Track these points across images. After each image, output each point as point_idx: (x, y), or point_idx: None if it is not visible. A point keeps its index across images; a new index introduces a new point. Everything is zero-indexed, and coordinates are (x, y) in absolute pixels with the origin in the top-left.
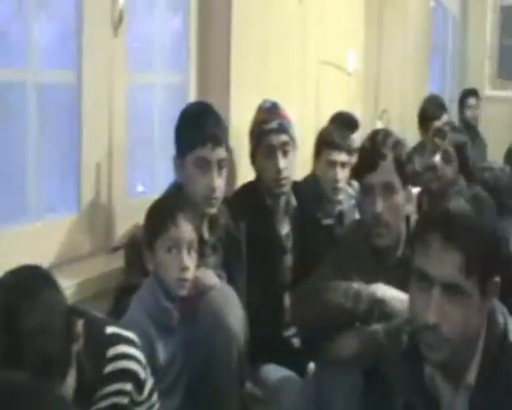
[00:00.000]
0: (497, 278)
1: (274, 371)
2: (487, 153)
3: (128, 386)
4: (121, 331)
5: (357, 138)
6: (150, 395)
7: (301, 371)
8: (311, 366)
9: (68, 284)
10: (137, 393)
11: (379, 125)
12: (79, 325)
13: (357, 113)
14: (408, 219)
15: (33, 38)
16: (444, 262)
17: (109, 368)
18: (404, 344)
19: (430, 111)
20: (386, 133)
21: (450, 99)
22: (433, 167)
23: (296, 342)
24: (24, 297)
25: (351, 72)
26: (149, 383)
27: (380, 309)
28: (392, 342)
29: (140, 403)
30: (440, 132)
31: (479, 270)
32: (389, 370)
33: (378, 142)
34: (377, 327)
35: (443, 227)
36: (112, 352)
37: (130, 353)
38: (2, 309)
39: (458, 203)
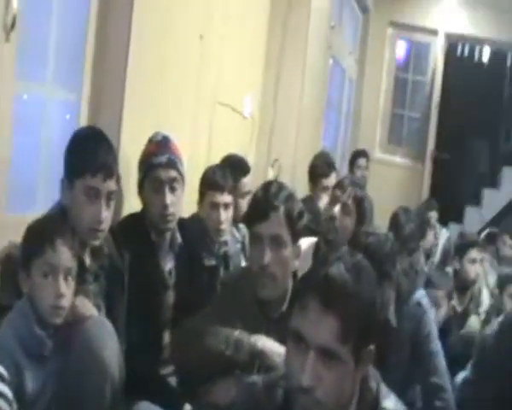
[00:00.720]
0: (372, 347)
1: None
2: (373, 214)
3: None
4: None
5: (248, 184)
6: None
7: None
8: (187, 407)
9: None
10: None
11: (270, 173)
12: None
13: (250, 158)
14: (295, 274)
15: None
16: (321, 327)
17: None
18: (280, 399)
19: (320, 168)
20: (279, 186)
21: (342, 157)
22: (332, 218)
23: (173, 380)
24: None
25: (246, 116)
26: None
27: (260, 361)
28: (268, 396)
29: None
30: (340, 185)
31: (355, 338)
32: None
33: (271, 193)
34: (256, 378)
35: (322, 292)
36: None
37: None
38: None
39: (338, 269)
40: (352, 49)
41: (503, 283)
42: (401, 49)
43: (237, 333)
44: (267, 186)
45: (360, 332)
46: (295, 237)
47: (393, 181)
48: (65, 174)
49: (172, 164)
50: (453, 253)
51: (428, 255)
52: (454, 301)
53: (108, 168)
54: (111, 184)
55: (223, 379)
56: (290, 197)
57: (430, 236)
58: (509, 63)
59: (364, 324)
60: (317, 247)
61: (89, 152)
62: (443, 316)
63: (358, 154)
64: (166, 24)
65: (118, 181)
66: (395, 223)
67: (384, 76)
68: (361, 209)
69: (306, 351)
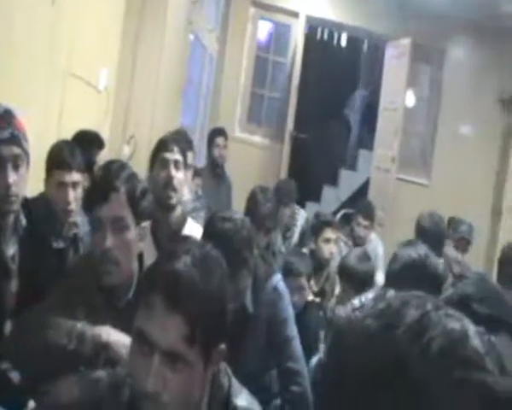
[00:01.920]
0: (223, 345)
1: None
2: (232, 193)
3: None
4: None
5: (103, 161)
6: None
7: (19, 407)
8: (31, 403)
9: None
10: None
11: (126, 150)
12: None
13: (105, 134)
14: (141, 257)
15: None
16: (166, 329)
17: None
18: (126, 396)
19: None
20: (120, 165)
21: (201, 135)
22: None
23: (15, 376)
24: None
25: (101, 90)
26: None
27: (105, 354)
28: (113, 394)
29: None
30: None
31: (203, 339)
32: None
33: (111, 173)
34: (101, 374)
35: (167, 290)
36: None
37: None
38: None
39: (186, 264)
40: (213, 26)
41: None
42: (263, 29)
43: (80, 325)
44: (107, 167)
45: (209, 332)
46: (139, 218)
47: (252, 160)
48: None
49: (15, 140)
50: (309, 233)
51: (285, 237)
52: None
53: None
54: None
55: (65, 376)
56: (132, 177)
57: (285, 214)
58: (365, 49)
59: (214, 323)
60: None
61: None
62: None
63: (216, 132)
64: None
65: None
66: (252, 202)
67: (245, 55)
68: None
69: (151, 353)
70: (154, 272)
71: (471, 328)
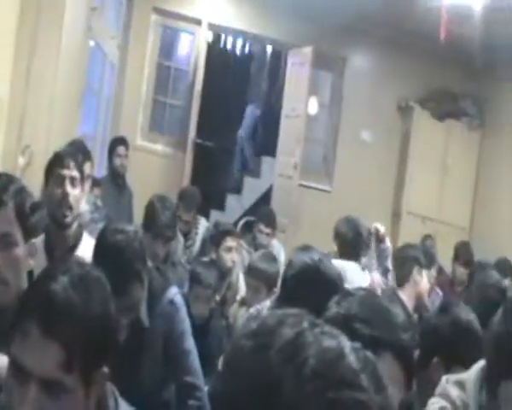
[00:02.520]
0: (105, 369)
1: None
2: (133, 203)
3: None
4: None
5: None
6: None
7: None
8: None
9: None
10: None
11: (21, 160)
12: None
13: None
14: (31, 276)
15: None
16: (42, 355)
17: None
18: None
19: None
20: (9, 179)
21: (102, 144)
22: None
23: None
24: None
25: None
26: None
27: None
28: None
29: None
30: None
31: (83, 364)
32: None
33: None
34: None
35: (42, 314)
36: None
37: None
38: None
39: (62, 285)
40: (114, 33)
41: None
42: (165, 36)
43: None
44: None
45: (89, 357)
46: (28, 234)
47: (155, 169)
48: None
49: None
50: (209, 242)
51: (186, 246)
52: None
53: None
54: None
55: None
56: (21, 191)
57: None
58: (268, 57)
59: (94, 347)
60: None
61: None
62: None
63: (117, 141)
64: None
65: None
66: (150, 211)
67: (147, 62)
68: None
69: (27, 382)
70: (28, 295)
71: (347, 345)
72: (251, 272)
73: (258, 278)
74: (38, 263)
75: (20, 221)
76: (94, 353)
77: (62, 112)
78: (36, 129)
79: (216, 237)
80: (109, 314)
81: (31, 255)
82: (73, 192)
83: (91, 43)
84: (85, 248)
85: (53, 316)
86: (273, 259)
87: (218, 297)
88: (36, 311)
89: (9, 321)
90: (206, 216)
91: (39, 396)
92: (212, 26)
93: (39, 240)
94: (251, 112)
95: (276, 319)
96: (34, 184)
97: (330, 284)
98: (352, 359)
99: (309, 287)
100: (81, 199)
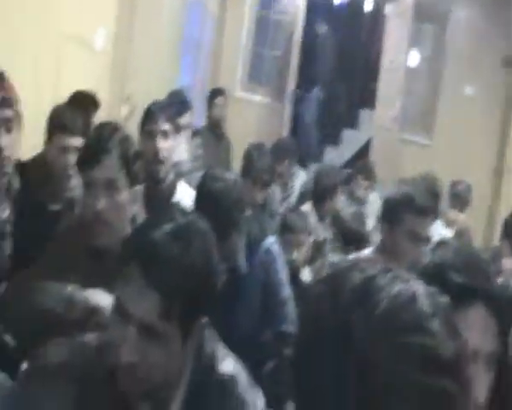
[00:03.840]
0: (204, 319)
1: None
2: (231, 153)
3: None
4: None
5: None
6: None
7: (14, 371)
8: (24, 365)
9: None
10: None
11: (124, 110)
12: None
13: (102, 95)
14: (134, 220)
15: None
16: (142, 301)
17: None
18: (111, 363)
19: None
20: (113, 127)
21: (201, 95)
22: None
23: (7, 338)
24: None
25: (98, 50)
26: None
27: (95, 318)
28: (100, 358)
29: None
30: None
31: (181, 314)
32: (93, 388)
33: (104, 135)
34: (89, 338)
35: (144, 262)
36: None
37: None
38: None
39: (164, 234)
40: None
41: None
42: None
43: (70, 289)
44: (99, 128)
45: (188, 307)
46: (131, 181)
47: (253, 120)
48: None
49: (7, 103)
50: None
51: (283, 197)
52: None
53: None
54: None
55: (54, 339)
56: (125, 139)
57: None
58: (367, 8)
59: (193, 298)
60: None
61: None
62: (304, 258)
63: (216, 92)
64: None
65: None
66: (247, 158)
67: (246, 14)
68: None
69: (128, 323)
70: (133, 241)
71: (420, 289)
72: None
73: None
74: (138, 210)
75: (124, 168)
76: (193, 303)
77: (163, 63)
78: (138, 79)
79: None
80: (211, 265)
81: (133, 202)
82: (165, 145)
83: None
84: (181, 197)
85: (154, 265)
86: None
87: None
88: (138, 258)
89: (113, 262)
90: (304, 168)
91: (138, 338)
92: None
93: (139, 188)
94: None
95: (348, 264)
96: (136, 132)
97: None
98: (423, 303)
99: None
100: (175, 150)
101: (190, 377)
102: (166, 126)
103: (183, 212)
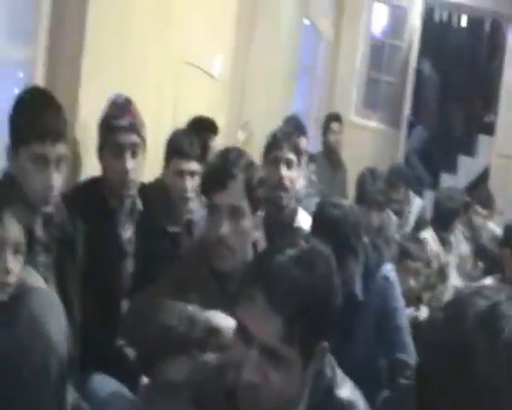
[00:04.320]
0: (325, 343)
1: (103, 383)
2: (347, 179)
3: None
4: None
5: (218, 147)
6: None
7: (133, 383)
8: (144, 380)
9: None
10: None
11: (241, 135)
12: None
13: (220, 121)
14: (255, 245)
15: None
16: (265, 324)
17: None
18: (229, 383)
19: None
20: (239, 153)
21: (316, 120)
22: (280, 180)
23: (130, 352)
24: None
25: (216, 77)
26: None
27: (215, 338)
28: (218, 377)
29: None
30: (276, 144)
31: (303, 339)
32: (210, 406)
33: (229, 160)
34: (209, 357)
35: (267, 286)
36: None
37: None
38: None
39: (289, 260)
40: (328, 10)
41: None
42: (378, 12)
43: (191, 309)
44: (225, 153)
45: (310, 332)
46: (255, 206)
47: (368, 145)
48: (10, 142)
49: (134, 128)
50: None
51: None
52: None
53: (55, 132)
54: (60, 149)
55: (176, 357)
56: (250, 165)
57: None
58: (486, 30)
59: (316, 322)
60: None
61: (33, 117)
62: (421, 286)
63: (332, 118)
64: None
65: (68, 144)
66: (360, 183)
67: (360, 39)
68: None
69: (250, 345)
70: (255, 265)
71: None
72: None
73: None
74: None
75: (248, 194)
76: (315, 327)
77: (278, 89)
78: (254, 105)
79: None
80: (333, 289)
81: (256, 227)
82: (289, 174)
83: (306, 21)
84: (300, 224)
85: (277, 289)
86: None
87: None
88: (262, 281)
89: (234, 285)
90: (419, 196)
91: (259, 360)
92: (426, 0)
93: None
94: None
95: (471, 290)
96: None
97: None
98: None
99: None
100: (297, 180)
101: (309, 399)
102: (291, 155)
103: (305, 237)
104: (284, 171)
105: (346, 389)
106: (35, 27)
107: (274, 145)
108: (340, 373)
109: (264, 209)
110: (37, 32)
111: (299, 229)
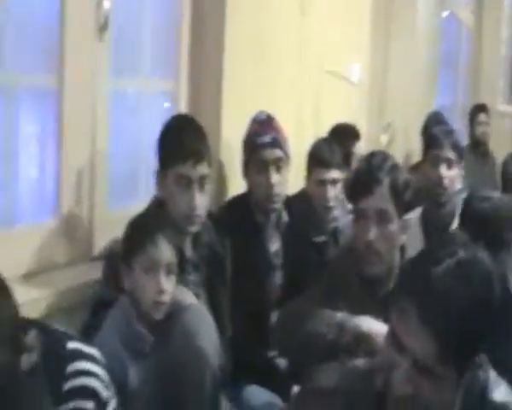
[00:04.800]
0: (483, 355)
1: (256, 394)
2: (496, 170)
3: (89, 404)
4: (83, 347)
5: (361, 151)
6: None
7: (285, 393)
8: (295, 389)
9: (44, 294)
10: None
11: (383, 138)
12: (31, 335)
13: (361, 125)
14: (403, 249)
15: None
16: (416, 339)
17: (68, 385)
18: (380, 386)
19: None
20: (383, 156)
21: (462, 113)
22: (439, 179)
23: (281, 362)
24: None
25: (355, 82)
26: (113, 404)
27: (365, 344)
28: (368, 382)
29: None
30: (437, 143)
31: (459, 355)
32: None
33: (374, 165)
34: (359, 363)
35: (420, 299)
36: (71, 368)
37: (91, 369)
38: None
39: (445, 272)
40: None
41: None
42: None
43: (340, 315)
44: (370, 158)
45: (467, 348)
46: (401, 210)
47: None
48: (158, 166)
49: (277, 143)
50: None
51: None
52: None
53: (197, 153)
54: (202, 169)
55: (326, 363)
56: (394, 168)
57: None
58: None
59: (473, 337)
60: (425, 214)
61: (177, 140)
62: None
63: (477, 109)
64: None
65: (210, 164)
66: (505, 169)
67: (503, 24)
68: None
69: (401, 354)
70: (409, 277)
71: None
72: None
73: None
74: (412, 238)
75: (394, 198)
76: (472, 343)
77: (420, 86)
78: (395, 106)
79: None
80: (492, 305)
81: (403, 231)
82: (449, 174)
83: (445, 13)
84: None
85: (431, 304)
86: None
87: None
88: (415, 294)
89: (383, 290)
90: None
91: (411, 373)
92: None
93: (415, 215)
94: None
95: None
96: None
97: None
98: None
99: None
100: (457, 179)
101: (461, 406)
102: (451, 155)
103: (465, 244)
104: (444, 170)
105: (501, 392)
106: (177, 58)
107: (434, 144)
108: (493, 375)
109: (423, 207)
110: (178, 62)
111: (458, 235)
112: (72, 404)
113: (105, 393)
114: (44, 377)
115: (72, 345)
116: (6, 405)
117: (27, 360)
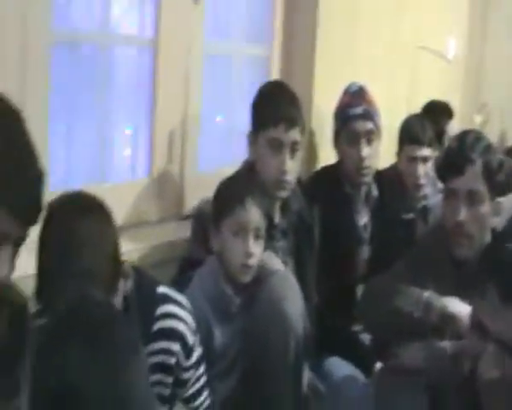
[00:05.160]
0: None
1: (338, 366)
2: None
3: (175, 346)
4: (172, 293)
5: (454, 130)
6: (199, 363)
7: (367, 369)
8: (378, 365)
9: (136, 247)
10: (185, 356)
11: (477, 119)
12: (128, 266)
13: (455, 104)
14: (494, 232)
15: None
16: (498, 321)
17: (157, 326)
18: (466, 370)
19: None
20: (476, 136)
21: None
22: None
23: (365, 338)
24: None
25: (450, 59)
26: (198, 351)
27: (451, 325)
28: (454, 365)
29: (187, 369)
30: None
31: None
32: (446, 395)
33: (467, 145)
34: (445, 344)
35: (499, 281)
36: (161, 310)
37: (179, 314)
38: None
39: None
40: None
41: None
42: None
43: (427, 294)
44: (462, 137)
45: None
46: (494, 192)
47: None
48: (250, 128)
49: (368, 115)
50: None
51: None
52: None
53: (290, 118)
54: (294, 134)
55: (411, 342)
56: (488, 149)
57: None
58: None
59: None
60: None
61: (270, 104)
62: None
63: None
64: None
65: (303, 131)
66: None
67: None
68: None
69: (486, 339)
70: (490, 260)
71: None
72: None
73: None
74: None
75: (487, 179)
76: None
77: None
78: (492, 86)
79: None
80: None
81: (495, 213)
82: None
83: None
84: None
85: (511, 282)
86: None
87: None
88: (494, 275)
89: (471, 272)
90: None
91: (497, 356)
92: None
93: (509, 199)
94: None
95: None
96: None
97: None
98: None
99: None
100: None
101: None
102: None
103: None
104: None
105: None
106: (270, 27)
107: None
108: None
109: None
110: (272, 30)
111: None
112: (160, 344)
113: (192, 338)
114: (137, 315)
115: (162, 290)
116: (103, 339)
117: (123, 287)
